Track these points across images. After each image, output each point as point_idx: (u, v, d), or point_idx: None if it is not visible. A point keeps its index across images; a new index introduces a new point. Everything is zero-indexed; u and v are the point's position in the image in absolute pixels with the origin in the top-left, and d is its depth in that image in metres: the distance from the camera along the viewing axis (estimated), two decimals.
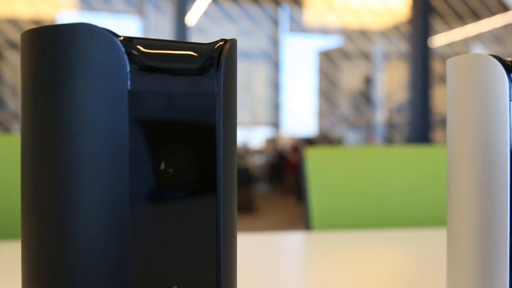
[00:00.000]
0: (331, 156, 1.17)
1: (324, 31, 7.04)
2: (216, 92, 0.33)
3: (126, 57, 0.30)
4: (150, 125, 0.31)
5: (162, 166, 0.31)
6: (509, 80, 0.39)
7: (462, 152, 0.42)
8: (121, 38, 0.30)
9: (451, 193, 0.43)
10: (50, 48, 0.30)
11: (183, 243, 0.32)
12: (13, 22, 4.94)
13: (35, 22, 4.91)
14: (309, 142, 6.40)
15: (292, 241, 0.88)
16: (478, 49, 6.01)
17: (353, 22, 5.64)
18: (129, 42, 0.30)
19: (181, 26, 3.31)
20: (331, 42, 7.18)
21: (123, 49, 0.30)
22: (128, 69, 0.30)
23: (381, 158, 1.16)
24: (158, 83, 0.31)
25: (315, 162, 1.09)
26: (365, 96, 6.82)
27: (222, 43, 0.34)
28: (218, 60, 0.33)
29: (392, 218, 1.08)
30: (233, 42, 0.34)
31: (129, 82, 0.30)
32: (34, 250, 0.31)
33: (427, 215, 1.07)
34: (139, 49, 0.31)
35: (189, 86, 0.32)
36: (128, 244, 0.30)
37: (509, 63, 0.40)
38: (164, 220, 0.31)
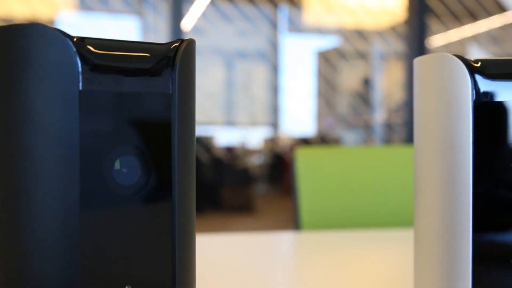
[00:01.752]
0: (321, 156, 1.17)
1: (322, 31, 7.04)
2: (171, 93, 0.33)
3: (77, 57, 0.30)
4: (102, 125, 0.31)
5: (117, 166, 0.31)
6: (471, 80, 0.39)
7: (427, 151, 0.42)
8: (75, 39, 0.30)
9: (417, 193, 0.44)
10: (2, 48, 0.30)
11: (137, 243, 0.32)
12: (10, 22, 4.94)
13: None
14: (307, 142, 6.40)
15: (280, 241, 0.87)
16: (475, 50, 6.01)
17: (350, 22, 5.64)
18: (81, 42, 0.31)
19: (178, 27, 3.32)
20: (329, 43, 7.18)
21: (74, 49, 0.30)
22: (80, 70, 0.30)
23: (371, 158, 1.16)
24: (111, 84, 0.31)
25: (305, 162, 1.09)
26: (363, 97, 6.81)
27: (178, 43, 0.34)
28: (173, 60, 0.33)
29: (382, 218, 1.08)
30: (189, 42, 0.34)
31: (80, 83, 0.30)
32: None
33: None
34: (90, 49, 0.31)
35: (142, 86, 0.32)
36: (79, 244, 0.30)
37: (473, 63, 0.40)
38: (117, 220, 0.31)
